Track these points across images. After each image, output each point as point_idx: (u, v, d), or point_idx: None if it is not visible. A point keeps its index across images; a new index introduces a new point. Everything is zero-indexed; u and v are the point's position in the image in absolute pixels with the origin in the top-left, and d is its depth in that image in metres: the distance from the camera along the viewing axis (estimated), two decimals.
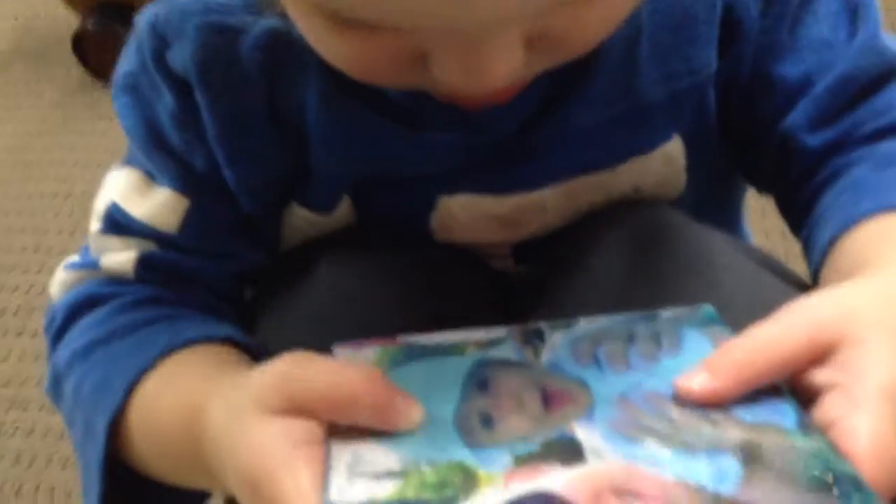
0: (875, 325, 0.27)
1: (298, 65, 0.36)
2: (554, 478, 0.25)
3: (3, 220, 1.05)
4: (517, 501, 0.24)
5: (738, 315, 0.30)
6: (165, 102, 0.37)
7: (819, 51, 0.39)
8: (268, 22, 0.36)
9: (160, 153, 0.38)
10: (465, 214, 0.39)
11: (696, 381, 0.27)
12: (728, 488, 0.24)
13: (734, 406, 0.27)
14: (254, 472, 0.27)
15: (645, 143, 0.39)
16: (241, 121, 0.37)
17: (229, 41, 0.36)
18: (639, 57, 0.37)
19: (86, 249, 0.41)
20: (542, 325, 0.31)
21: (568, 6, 0.28)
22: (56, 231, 1.01)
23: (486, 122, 0.37)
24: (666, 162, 0.40)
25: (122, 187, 0.39)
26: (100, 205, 0.40)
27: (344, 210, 0.39)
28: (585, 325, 0.31)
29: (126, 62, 0.39)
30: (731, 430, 0.26)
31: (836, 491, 0.24)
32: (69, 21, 1.30)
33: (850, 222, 0.35)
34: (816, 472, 0.24)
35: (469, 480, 0.25)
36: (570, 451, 0.25)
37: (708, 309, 0.31)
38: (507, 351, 0.30)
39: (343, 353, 0.31)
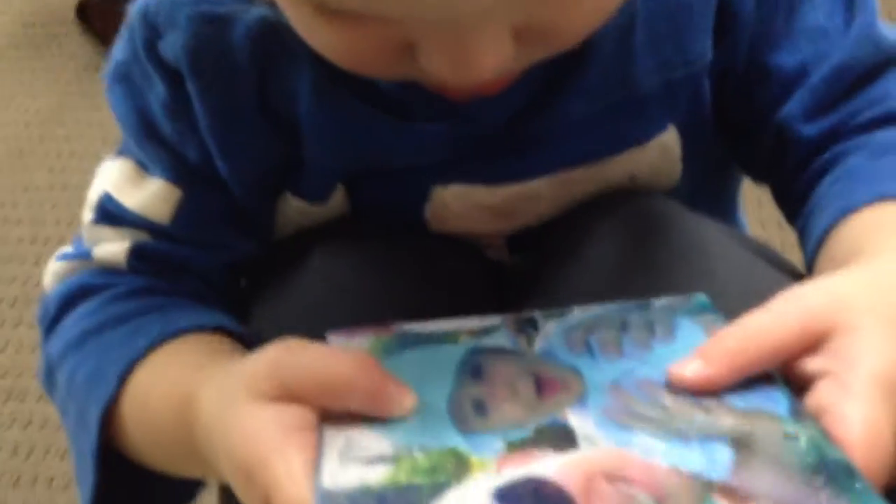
0: (867, 313, 0.27)
1: (290, 55, 0.36)
2: (546, 463, 0.25)
3: (0, 212, 1.05)
4: (509, 487, 0.24)
5: (732, 304, 0.30)
6: (157, 92, 0.37)
7: (815, 40, 0.39)
8: (259, 10, 0.36)
9: (152, 143, 0.38)
10: (459, 204, 0.39)
11: (689, 368, 0.27)
12: (720, 475, 0.24)
13: (727, 393, 0.27)
14: (247, 459, 0.27)
15: (640, 133, 0.39)
16: (233, 111, 0.37)
17: (220, 30, 0.36)
18: (633, 47, 0.37)
19: (78, 240, 0.41)
20: (536, 313, 0.31)
21: None
22: (53, 222, 1.01)
23: (478, 113, 0.36)
24: (661, 152, 0.40)
25: (115, 178, 0.39)
26: (92, 195, 0.40)
27: (338, 200, 0.39)
28: (579, 313, 0.31)
29: (118, 51, 0.39)
30: (724, 417, 0.26)
31: (827, 478, 0.24)
32: (65, 13, 1.29)
33: (846, 211, 0.35)
34: (808, 459, 0.24)
35: (461, 466, 0.25)
36: (562, 438, 0.26)
37: (701, 297, 0.31)
38: (501, 339, 0.30)
39: (336, 340, 0.31)
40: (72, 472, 0.38)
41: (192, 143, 0.37)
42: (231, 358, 0.32)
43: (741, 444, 0.25)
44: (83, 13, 1.23)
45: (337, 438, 0.26)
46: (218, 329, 0.37)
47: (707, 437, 0.25)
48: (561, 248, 0.39)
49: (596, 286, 0.36)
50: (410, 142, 0.37)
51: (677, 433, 0.26)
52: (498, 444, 0.26)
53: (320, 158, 0.38)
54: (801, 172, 0.39)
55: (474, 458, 0.25)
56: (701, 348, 0.28)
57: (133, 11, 0.38)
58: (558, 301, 0.33)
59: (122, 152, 0.40)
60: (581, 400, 0.27)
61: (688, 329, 0.30)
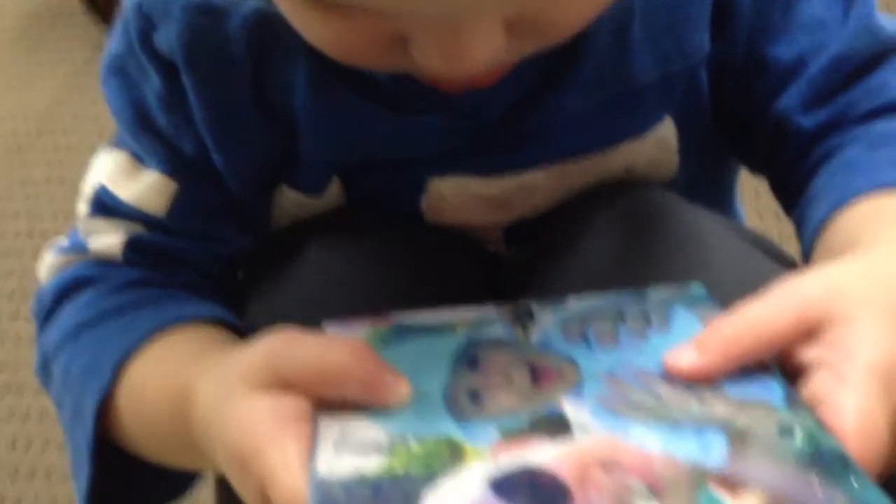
0: (864, 304, 0.27)
1: (285, 47, 0.36)
2: (541, 452, 0.25)
3: None
4: (504, 476, 0.24)
5: (728, 294, 0.30)
6: (152, 85, 0.37)
7: (813, 31, 0.39)
8: (254, 2, 0.36)
9: (148, 136, 0.38)
10: (456, 196, 0.39)
11: (685, 357, 0.27)
12: (714, 463, 0.24)
13: (722, 383, 0.27)
14: (242, 449, 0.27)
15: (637, 126, 0.39)
16: (228, 104, 0.37)
17: (215, 22, 0.36)
18: (630, 40, 0.37)
19: (74, 232, 0.40)
20: (533, 304, 0.31)
21: None
22: (50, 216, 1.01)
23: (473, 105, 0.36)
24: (658, 145, 0.40)
25: (110, 170, 0.39)
26: (87, 187, 0.40)
27: (334, 192, 0.39)
28: (575, 304, 0.31)
29: (113, 44, 0.38)
30: (719, 406, 0.26)
31: (822, 467, 0.24)
32: (63, 6, 1.29)
33: (843, 202, 0.35)
34: (803, 449, 0.24)
35: (456, 454, 0.25)
36: (557, 427, 0.26)
37: (697, 287, 0.31)
38: (497, 330, 0.30)
39: (333, 331, 0.31)
40: (70, 465, 0.38)
41: (188, 135, 0.37)
42: (227, 349, 0.32)
43: (736, 433, 0.25)
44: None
45: (332, 428, 0.26)
46: (213, 320, 0.37)
47: (702, 425, 0.25)
48: (558, 239, 0.39)
49: (593, 278, 0.36)
50: (406, 134, 0.37)
51: (672, 422, 0.26)
52: (493, 433, 0.26)
53: (316, 151, 0.38)
54: (799, 163, 0.39)
55: (469, 447, 0.25)
56: (696, 338, 0.28)
57: (128, 3, 0.38)
58: (555, 293, 0.33)
59: (117, 144, 0.40)
60: (576, 389, 0.27)
61: (684, 319, 0.30)
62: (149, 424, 0.34)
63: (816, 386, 0.26)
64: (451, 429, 0.26)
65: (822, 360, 0.27)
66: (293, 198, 0.40)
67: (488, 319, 0.31)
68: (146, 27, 0.37)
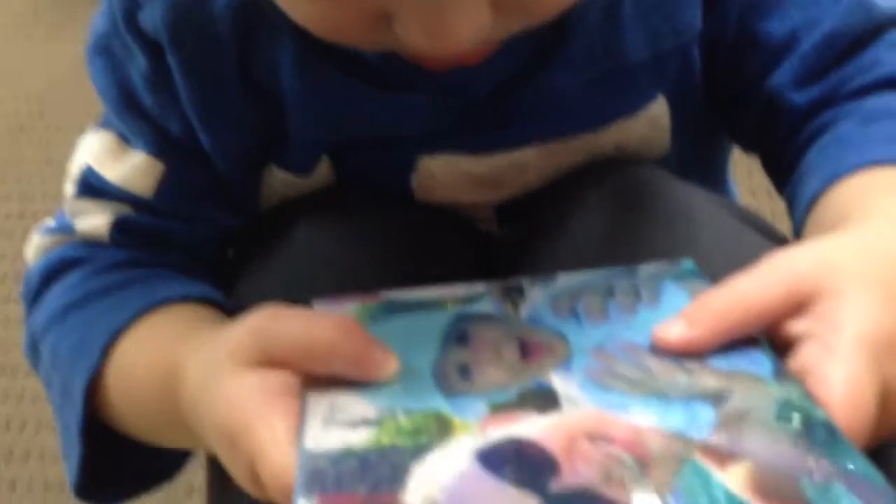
0: (854, 277, 0.27)
1: (270, 26, 0.35)
2: (529, 425, 0.25)
3: None
4: (491, 447, 0.24)
5: (718, 271, 0.30)
6: (138, 64, 0.37)
7: (805, 7, 0.38)
8: None
9: (134, 116, 0.38)
10: (446, 174, 0.39)
11: (673, 330, 0.27)
12: (701, 434, 0.24)
13: (710, 356, 0.27)
14: (231, 426, 0.27)
15: (629, 104, 0.39)
16: (214, 84, 0.36)
17: (200, 1, 0.36)
18: (621, 17, 0.36)
19: (61, 213, 0.40)
20: (522, 280, 0.31)
21: None
22: (41, 197, 1.01)
23: (462, 83, 0.36)
24: (650, 123, 0.40)
25: (97, 150, 0.39)
26: (74, 168, 0.40)
27: (323, 171, 0.39)
28: (565, 279, 0.31)
29: (98, 23, 0.38)
30: (707, 378, 0.26)
31: (809, 438, 0.24)
32: None
33: (834, 177, 0.35)
34: (789, 419, 0.24)
35: (444, 428, 0.25)
36: (546, 400, 0.26)
37: (688, 263, 0.31)
38: (487, 306, 0.30)
39: (322, 308, 0.31)
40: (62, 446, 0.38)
41: (174, 115, 0.37)
42: (215, 328, 0.32)
43: (723, 405, 0.25)
44: None
45: (321, 403, 0.26)
46: (202, 300, 0.36)
47: (690, 397, 0.25)
48: (549, 218, 0.39)
49: (584, 255, 0.36)
50: (394, 112, 0.37)
51: (660, 394, 0.26)
52: (481, 407, 0.26)
53: (304, 130, 0.37)
54: (791, 140, 0.39)
55: (457, 421, 0.25)
56: (685, 311, 0.28)
57: None
58: (547, 270, 0.33)
59: (103, 125, 0.40)
60: (565, 363, 0.27)
61: (673, 294, 0.30)
62: (138, 403, 0.34)
63: (804, 357, 0.26)
64: (439, 403, 0.26)
65: (810, 333, 0.27)
66: (282, 178, 0.39)
67: (478, 295, 0.31)
68: (131, 6, 0.36)
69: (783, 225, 0.40)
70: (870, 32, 0.38)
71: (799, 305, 0.27)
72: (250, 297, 0.37)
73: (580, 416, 0.25)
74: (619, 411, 0.25)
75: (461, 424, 0.25)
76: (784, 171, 0.39)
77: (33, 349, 0.39)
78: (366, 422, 0.25)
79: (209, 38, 0.36)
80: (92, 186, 0.39)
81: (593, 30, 0.36)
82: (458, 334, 0.29)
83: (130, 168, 0.38)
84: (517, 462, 0.24)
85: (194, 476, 0.71)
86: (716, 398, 0.25)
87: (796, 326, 0.27)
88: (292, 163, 0.39)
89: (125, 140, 0.39)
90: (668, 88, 0.39)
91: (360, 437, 0.25)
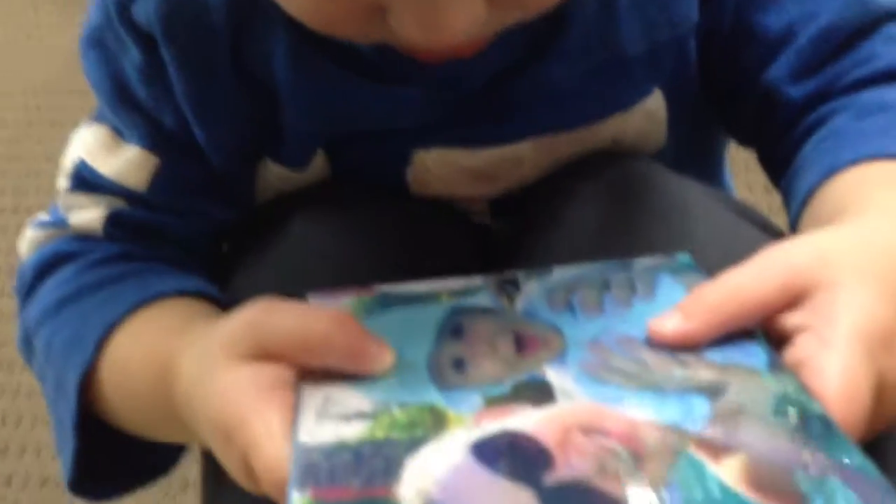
0: (850, 270, 0.27)
1: (264, 18, 0.35)
2: (523, 418, 0.25)
3: None
4: (486, 440, 0.24)
5: (714, 264, 0.30)
6: (132, 57, 0.37)
7: (802, 1, 0.38)
8: None
9: (127, 109, 0.38)
10: (441, 168, 0.39)
11: (669, 323, 0.27)
12: (696, 427, 0.24)
13: (706, 349, 0.27)
14: (225, 420, 0.27)
15: (625, 98, 0.39)
16: (208, 77, 0.36)
17: None
18: (617, 9, 0.36)
19: (54, 207, 0.40)
20: (518, 273, 0.31)
21: None
22: (36, 192, 1.01)
23: (457, 76, 0.36)
24: (647, 117, 0.40)
25: (90, 144, 0.39)
26: (67, 162, 0.39)
27: (318, 165, 0.39)
28: (560, 273, 0.31)
29: (92, 16, 0.38)
30: (702, 371, 0.26)
31: (804, 430, 0.24)
32: None
33: (831, 171, 0.35)
34: (784, 412, 0.24)
35: (439, 421, 0.25)
36: (541, 393, 0.26)
37: (684, 256, 0.31)
38: (483, 299, 0.30)
39: (316, 301, 0.30)
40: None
41: (168, 108, 0.37)
42: (209, 322, 0.32)
43: (718, 397, 0.25)
44: None
45: (315, 397, 0.26)
46: (196, 294, 0.36)
47: (685, 390, 0.25)
48: (544, 211, 0.39)
49: (579, 249, 0.36)
50: (389, 105, 0.37)
51: (655, 387, 0.26)
52: (476, 400, 0.26)
53: (298, 123, 0.37)
54: (787, 134, 0.39)
55: (452, 414, 0.25)
56: (681, 304, 0.28)
57: None
58: (542, 264, 0.33)
59: (97, 118, 0.40)
60: (560, 356, 0.27)
61: (669, 287, 0.30)
62: (132, 398, 0.34)
63: (800, 350, 0.26)
64: (434, 396, 0.26)
65: (806, 325, 0.27)
66: (277, 172, 0.39)
67: (473, 289, 0.30)
68: None
69: (780, 220, 0.40)
70: (866, 26, 0.38)
71: (795, 298, 0.27)
72: (245, 292, 0.37)
73: (575, 408, 0.25)
74: (613, 404, 0.25)
75: (456, 417, 0.25)
76: (780, 165, 0.39)
77: (27, 343, 0.38)
78: (360, 415, 0.25)
79: (203, 31, 0.35)
80: (85, 180, 0.39)
81: (589, 22, 0.36)
82: (453, 327, 0.29)
83: (124, 162, 0.38)
84: (511, 455, 0.23)
85: (189, 471, 0.71)
86: (711, 391, 0.25)
87: (792, 319, 0.27)
88: (287, 157, 0.39)
89: (119, 134, 0.39)
90: (664, 82, 0.39)
91: (354, 431, 0.25)
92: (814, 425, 0.24)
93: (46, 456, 0.75)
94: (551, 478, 0.23)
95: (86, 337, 0.35)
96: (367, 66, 0.36)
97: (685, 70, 0.40)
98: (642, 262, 0.31)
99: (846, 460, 0.23)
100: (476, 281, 0.31)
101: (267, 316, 0.28)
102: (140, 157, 0.38)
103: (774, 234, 0.38)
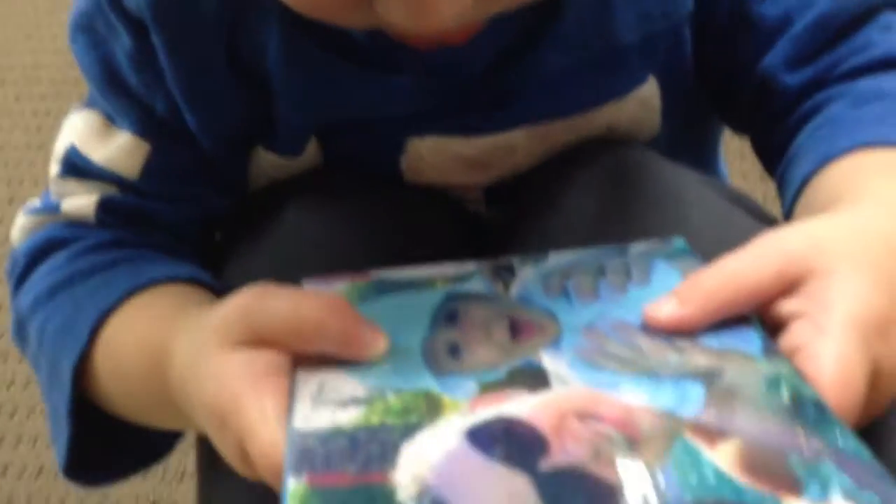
0: (845, 257, 0.27)
1: (257, 6, 0.35)
2: (519, 403, 0.25)
3: None
4: (481, 426, 0.24)
5: (707, 251, 0.30)
6: (122, 43, 0.36)
7: None
8: None
9: (119, 95, 0.37)
10: (435, 156, 0.39)
11: (664, 308, 0.27)
12: (691, 412, 0.24)
13: (701, 335, 0.27)
14: (220, 405, 0.27)
15: (620, 86, 0.39)
16: (200, 65, 0.36)
17: None
18: None
19: (46, 193, 0.40)
20: (513, 259, 0.31)
21: None
22: (31, 182, 1.00)
23: (451, 63, 0.36)
24: (641, 105, 0.39)
25: (82, 130, 0.39)
26: (59, 148, 0.39)
27: (311, 153, 0.39)
28: (555, 258, 0.31)
29: (81, 1, 0.37)
30: (697, 357, 0.26)
31: (799, 415, 0.24)
32: None
33: (826, 159, 0.35)
34: (780, 397, 0.24)
35: (434, 407, 0.25)
36: (536, 379, 0.26)
37: (679, 241, 0.31)
38: (477, 285, 0.30)
39: (311, 287, 0.30)
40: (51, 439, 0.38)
41: (159, 94, 0.37)
42: (203, 307, 0.32)
43: (714, 383, 0.25)
44: None
45: (310, 382, 0.26)
46: (190, 281, 0.36)
47: (680, 376, 0.25)
48: (538, 199, 0.39)
49: (573, 236, 0.36)
50: (382, 93, 0.37)
51: (650, 372, 0.26)
52: (471, 386, 0.26)
53: (291, 111, 0.37)
54: (783, 122, 0.39)
55: (447, 400, 0.25)
56: (677, 289, 0.28)
57: None
58: (536, 252, 0.33)
59: (88, 104, 0.39)
60: (555, 342, 0.27)
61: (664, 272, 0.30)
62: (126, 384, 0.34)
63: (795, 335, 0.26)
64: (429, 382, 0.26)
65: (801, 312, 0.27)
66: (270, 160, 0.39)
67: (468, 274, 0.30)
68: None
69: (774, 209, 0.40)
70: (863, 14, 0.38)
71: (790, 285, 0.27)
72: (238, 280, 0.37)
73: (570, 394, 0.25)
74: (609, 390, 0.25)
75: (451, 403, 0.25)
76: (775, 153, 0.39)
77: (20, 330, 0.38)
78: (355, 401, 0.25)
79: (194, 17, 0.35)
80: (76, 166, 0.38)
81: (583, 10, 0.36)
82: (448, 313, 0.29)
83: (116, 149, 0.38)
84: (507, 441, 0.23)
85: (187, 461, 0.71)
86: (706, 376, 0.25)
87: (787, 306, 0.27)
88: (280, 145, 0.39)
89: (110, 120, 0.38)
90: (658, 70, 0.39)
91: (349, 416, 0.25)
92: (807, 409, 0.24)
93: (42, 445, 0.75)
94: (547, 463, 0.23)
95: (79, 323, 0.35)
96: (360, 55, 0.36)
97: (680, 58, 0.40)
98: (637, 248, 0.31)
99: (840, 444, 0.23)
100: (471, 267, 0.31)
101: (260, 301, 0.28)
102: (131, 143, 0.38)
103: (768, 222, 0.38)
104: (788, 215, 0.36)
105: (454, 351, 0.27)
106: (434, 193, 0.40)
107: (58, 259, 0.37)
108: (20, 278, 0.39)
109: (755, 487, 0.22)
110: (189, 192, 0.39)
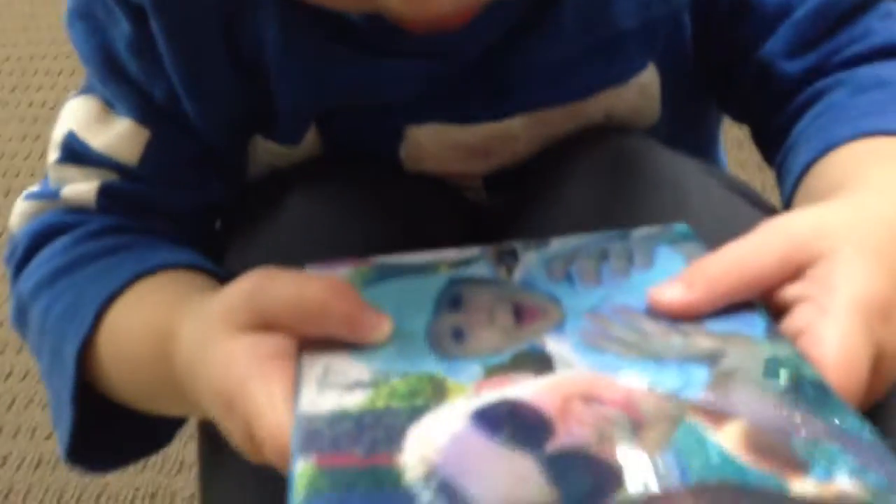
0: (848, 242, 0.27)
1: None
2: (524, 387, 0.25)
3: None
4: (486, 408, 0.24)
5: (706, 239, 0.30)
6: (122, 30, 0.36)
7: None
8: None
9: (118, 81, 0.37)
10: (434, 144, 0.39)
11: (669, 292, 0.27)
12: (696, 394, 0.24)
13: (705, 319, 0.27)
14: (226, 389, 0.27)
15: (619, 73, 0.39)
16: (199, 54, 0.36)
17: None
18: None
19: (45, 180, 0.40)
20: (516, 244, 0.31)
21: None
22: (27, 173, 1.00)
23: (447, 49, 0.36)
24: (640, 92, 0.40)
25: (81, 116, 0.38)
26: (57, 134, 0.39)
27: (310, 142, 0.39)
28: (559, 244, 0.31)
29: None
30: (701, 340, 0.26)
31: (802, 397, 0.24)
32: None
33: (827, 147, 0.35)
34: (784, 379, 0.24)
35: (439, 390, 0.25)
36: (540, 363, 0.26)
37: (682, 226, 0.31)
38: (481, 269, 0.30)
39: (314, 272, 0.30)
40: (51, 417, 0.38)
41: (158, 80, 0.36)
42: (207, 293, 0.32)
43: (717, 365, 0.25)
44: None
45: (316, 366, 0.26)
46: (193, 267, 0.36)
47: (684, 358, 0.25)
48: (537, 188, 0.39)
49: (573, 224, 0.36)
50: (381, 78, 0.36)
51: (654, 355, 0.26)
52: (476, 370, 0.26)
53: (290, 98, 0.37)
54: (782, 109, 0.39)
55: (452, 383, 0.25)
56: (683, 274, 0.28)
57: None
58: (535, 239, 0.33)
59: (87, 90, 0.39)
60: (559, 326, 0.27)
61: (667, 257, 0.30)
62: (131, 369, 0.34)
63: (799, 318, 0.26)
64: (434, 366, 0.26)
65: (805, 295, 0.27)
66: (269, 148, 0.39)
67: (472, 259, 0.30)
68: None
69: (772, 198, 0.40)
70: (863, 2, 0.38)
71: (795, 271, 0.27)
72: (238, 267, 0.37)
73: (574, 377, 0.25)
74: (612, 373, 0.25)
75: (456, 387, 0.25)
76: (774, 140, 0.40)
77: (21, 315, 0.38)
78: (360, 384, 0.25)
79: (194, 4, 0.35)
80: (75, 152, 0.38)
81: None
82: (452, 298, 0.29)
83: (115, 135, 0.38)
84: (512, 423, 0.24)
85: (185, 452, 0.71)
86: (710, 359, 0.25)
87: (791, 290, 0.27)
88: (280, 133, 0.39)
89: (109, 106, 0.38)
90: (658, 57, 0.39)
91: (355, 400, 0.25)
92: (810, 391, 0.24)
93: (40, 436, 0.75)
94: (552, 446, 0.23)
95: (83, 308, 0.35)
96: (358, 39, 0.36)
97: (679, 45, 0.40)
98: (640, 233, 0.31)
99: (844, 425, 0.23)
100: (474, 252, 0.31)
101: (264, 285, 0.28)
102: (131, 130, 0.38)
103: (767, 210, 0.38)
104: (788, 203, 0.37)
105: (458, 335, 0.27)
106: (433, 182, 0.40)
107: (59, 244, 0.37)
108: (20, 263, 0.38)
109: (760, 468, 0.22)
110: (189, 179, 0.39)
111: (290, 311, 0.27)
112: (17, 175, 1.01)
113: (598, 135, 0.39)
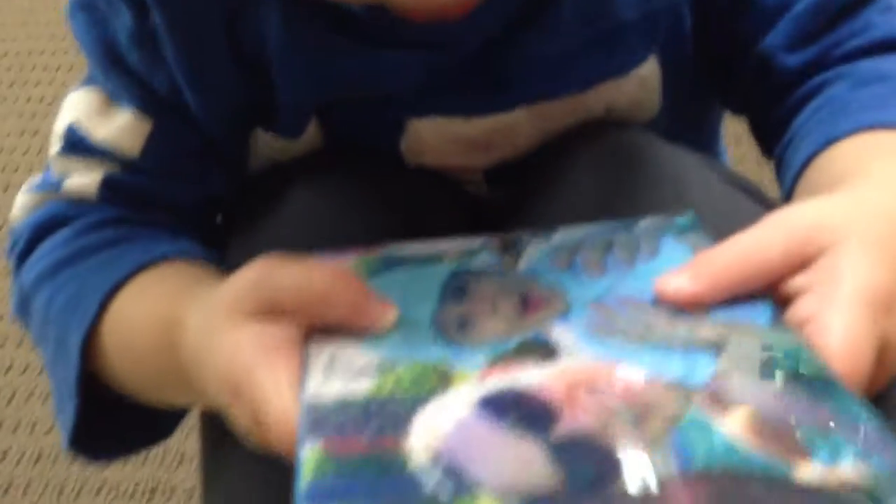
0: (853, 234, 0.28)
1: None
2: (529, 375, 0.25)
3: None
4: (492, 396, 0.24)
5: (706, 231, 0.31)
6: (123, 21, 0.36)
7: None
8: None
9: (119, 73, 0.37)
10: (435, 137, 0.39)
11: (674, 283, 0.27)
12: (700, 382, 0.24)
13: (711, 309, 0.27)
14: (233, 377, 0.27)
15: (620, 65, 0.39)
16: (200, 46, 0.36)
17: None
18: None
19: (47, 171, 0.40)
20: (521, 234, 0.31)
21: None
22: (25, 169, 1.00)
23: (448, 41, 0.36)
24: (640, 84, 0.40)
25: (82, 108, 0.38)
26: (59, 126, 0.39)
27: (311, 135, 0.39)
28: (563, 234, 0.31)
29: None
30: (706, 329, 0.26)
31: (807, 386, 0.24)
32: None
33: (828, 141, 0.35)
34: (789, 367, 0.25)
35: (444, 378, 0.25)
36: (545, 352, 0.26)
37: (687, 217, 0.31)
38: (486, 259, 0.30)
39: (320, 261, 0.30)
40: (55, 417, 0.38)
41: (160, 72, 0.37)
42: (212, 282, 0.32)
43: (721, 353, 0.25)
44: None
45: (322, 353, 0.26)
46: (195, 258, 0.36)
47: (688, 348, 0.26)
48: (538, 181, 0.39)
49: (574, 218, 0.36)
50: (382, 70, 0.37)
51: (659, 345, 0.26)
52: (481, 358, 0.26)
53: (291, 90, 0.37)
54: (782, 102, 0.39)
55: (457, 371, 0.25)
56: (689, 265, 0.28)
57: None
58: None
59: (88, 82, 0.39)
60: (564, 315, 0.27)
61: (672, 247, 0.30)
62: (135, 359, 0.34)
63: (803, 308, 0.27)
64: (439, 354, 0.26)
65: (810, 285, 0.27)
66: (270, 141, 0.39)
67: (477, 249, 0.31)
68: None
69: (772, 194, 0.40)
70: None
71: (800, 263, 0.27)
72: (240, 261, 0.37)
73: (579, 366, 0.25)
74: (617, 362, 0.25)
75: (461, 375, 0.25)
76: (773, 134, 0.40)
77: (24, 306, 0.38)
78: (366, 372, 0.25)
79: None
80: (77, 144, 0.38)
81: None
82: (457, 287, 0.29)
83: (117, 127, 0.38)
84: (516, 410, 0.24)
85: (186, 445, 0.71)
86: (715, 347, 0.25)
87: (797, 281, 0.27)
88: (281, 126, 0.39)
89: (111, 97, 0.38)
90: (658, 49, 0.39)
91: (361, 388, 0.25)
92: (813, 378, 0.24)
93: (40, 431, 0.75)
94: (557, 432, 0.23)
95: (87, 297, 0.35)
96: (359, 30, 0.36)
97: (679, 38, 0.40)
98: (646, 223, 0.31)
99: (847, 412, 0.23)
100: (479, 241, 0.31)
101: (270, 273, 0.28)
102: (132, 122, 0.38)
103: (767, 205, 0.39)
104: (788, 195, 0.37)
105: (464, 324, 0.27)
106: (434, 175, 0.40)
107: (61, 236, 0.37)
108: (22, 255, 0.38)
109: (765, 453, 0.22)
110: (190, 172, 0.39)
111: (296, 299, 0.27)
112: (16, 170, 1.00)
113: (598, 128, 0.39)
